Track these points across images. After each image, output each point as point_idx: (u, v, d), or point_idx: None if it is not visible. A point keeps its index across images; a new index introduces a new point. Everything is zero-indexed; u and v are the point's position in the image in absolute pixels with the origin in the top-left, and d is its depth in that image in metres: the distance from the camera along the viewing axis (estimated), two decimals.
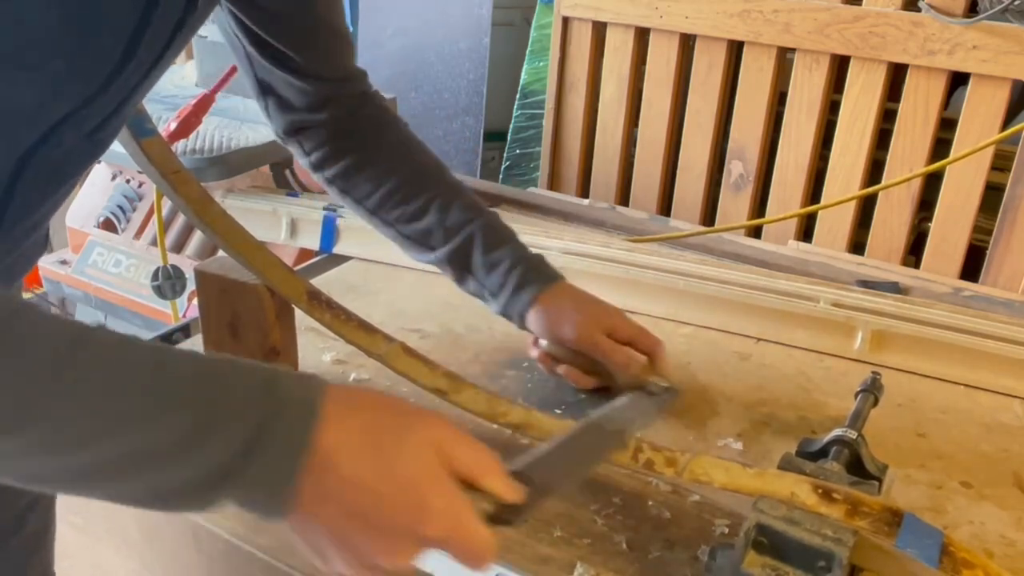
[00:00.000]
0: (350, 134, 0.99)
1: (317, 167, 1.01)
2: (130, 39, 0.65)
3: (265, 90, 0.97)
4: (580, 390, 0.99)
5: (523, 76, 2.49)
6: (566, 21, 2.13)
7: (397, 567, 0.54)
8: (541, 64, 2.42)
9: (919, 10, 1.69)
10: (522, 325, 0.98)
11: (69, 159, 0.72)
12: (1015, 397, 1.03)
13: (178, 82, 1.77)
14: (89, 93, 0.66)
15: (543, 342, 0.99)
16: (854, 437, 0.77)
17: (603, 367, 0.96)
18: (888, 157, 1.80)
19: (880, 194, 1.80)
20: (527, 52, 2.49)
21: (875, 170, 1.84)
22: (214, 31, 1.59)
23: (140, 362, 0.51)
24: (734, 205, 2.02)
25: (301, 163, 1.02)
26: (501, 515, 0.56)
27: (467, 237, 0.97)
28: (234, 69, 1.45)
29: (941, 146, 1.75)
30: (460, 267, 0.98)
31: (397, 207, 0.98)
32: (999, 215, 1.71)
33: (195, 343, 1.04)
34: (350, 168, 0.99)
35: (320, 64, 0.96)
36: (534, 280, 0.96)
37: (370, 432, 0.53)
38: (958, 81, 1.75)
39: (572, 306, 0.96)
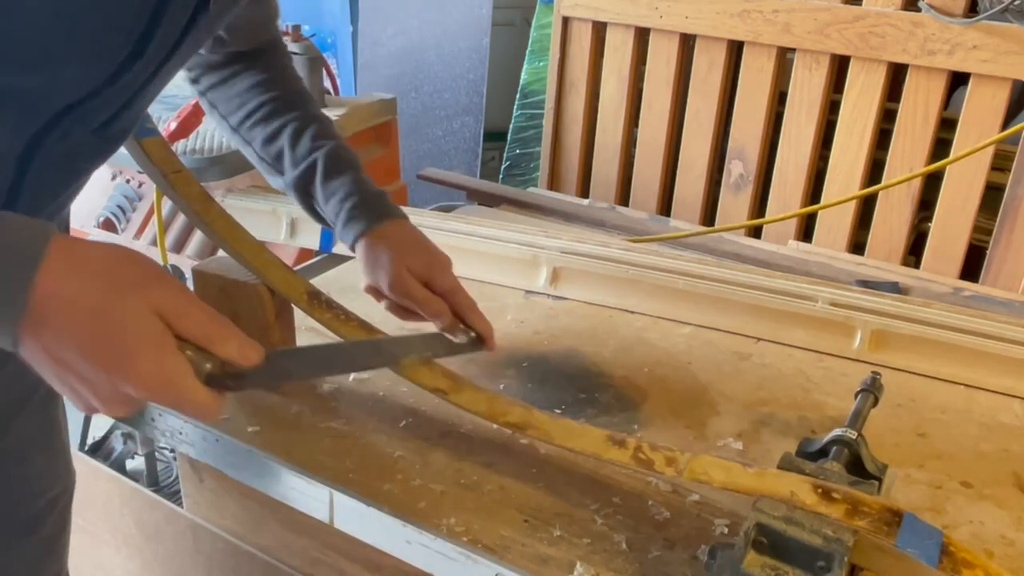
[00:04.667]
0: (231, 57, 0.99)
1: (195, 80, 1.00)
2: (140, 37, 0.66)
3: None
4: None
5: (523, 76, 2.49)
6: (566, 21, 2.13)
7: (116, 415, 0.58)
8: (541, 64, 2.42)
9: (919, 10, 1.69)
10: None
11: (78, 153, 0.72)
12: (1015, 397, 1.03)
13: (178, 82, 1.77)
14: (94, 86, 0.66)
15: None
16: (854, 437, 0.77)
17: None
18: (888, 157, 1.80)
19: (880, 194, 1.80)
20: (527, 52, 2.49)
21: (875, 170, 1.84)
22: None
23: None
24: (734, 205, 2.02)
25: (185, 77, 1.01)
26: (224, 378, 0.59)
27: (311, 164, 0.95)
28: None
29: (941, 146, 1.75)
30: (305, 194, 0.96)
31: (257, 126, 0.97)
32: (999, 215, 1.71)
33: None
34: (223, 81, 0.98)
35: (240, 41, 0.96)
36: (361, 216, 0.93)
37: (91, 290, 0.55)
38: (958, 81, 1.75)
39: (391, 251, 0.92)
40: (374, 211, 0.94)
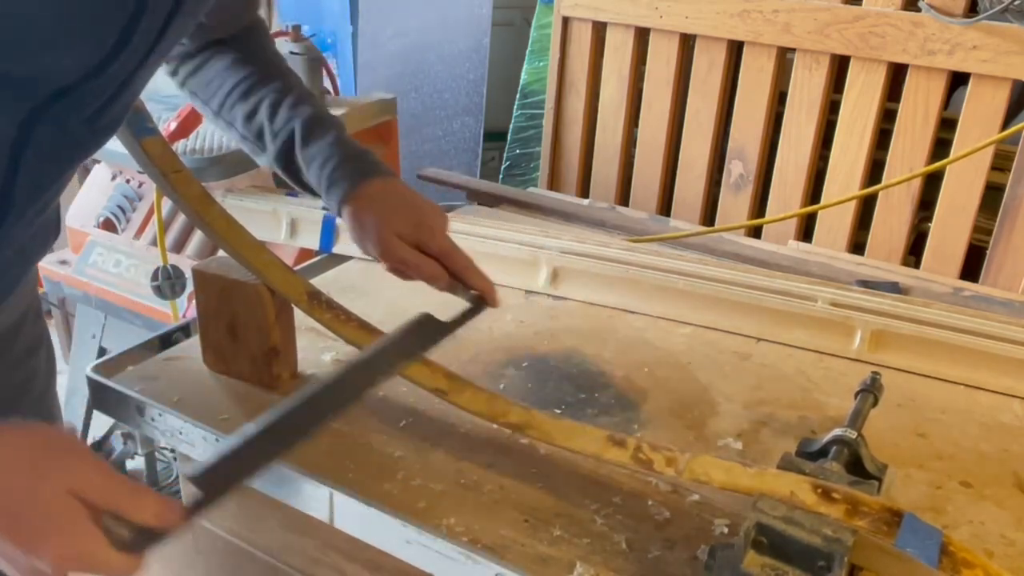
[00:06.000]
0: (207, 44, 0.97)
1: (173, 72, 0.99)
2: (125, 26, 0.66)
3: None
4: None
5: (523, 76, 2.49)
6: (566, 21, 2.13)
7: None
8: (541, 64, 2.42)
9: (919, 10, 1.69)
10: None
11: (70, 143, 0.73)
12: (1015, 397, 1.03)
13: None
14: (83, 74, 0.67)
15: None
16: (854, 437, 0.77)
17: None
18: (888, 157, 1.80)
19: (880, 194, 1.80)
20: (527, 52, 2.49)
21: (875, 170, 1.84)
22: None
23: None
24: (734, 205, 2.02)
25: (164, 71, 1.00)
26: (147, 538, 0.62)
27: (290, 133, 0.92)
28: None
29: (941, 146, 1.75)
30: (290, 166, 0.93)
31: (236, 105, 0.94)
32: (999, 215, 1.71)
33: (194, 343, 1.04)
34: (199, 67, 0.97)
35: (219, 27, 0.95)
36: (343, 178, 0.90)
37: (9, 475, 0.59)
38: (958, 81, 1.75)
39: (377, 215, 0.88)
40: (356, 170, 0.90)
